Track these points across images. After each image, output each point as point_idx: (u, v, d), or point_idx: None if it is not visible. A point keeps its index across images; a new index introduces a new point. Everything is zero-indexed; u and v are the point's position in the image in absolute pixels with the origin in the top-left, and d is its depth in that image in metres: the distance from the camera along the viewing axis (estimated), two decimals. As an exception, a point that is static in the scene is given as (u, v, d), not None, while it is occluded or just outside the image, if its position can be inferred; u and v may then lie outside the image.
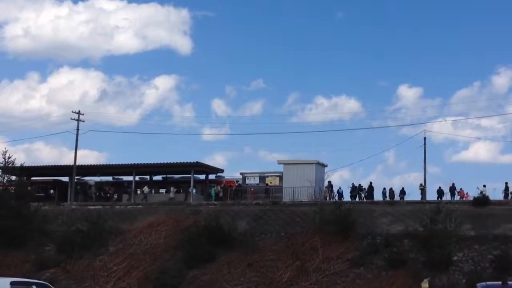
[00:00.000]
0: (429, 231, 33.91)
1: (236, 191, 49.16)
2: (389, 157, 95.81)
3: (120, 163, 53.51)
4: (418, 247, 34.15)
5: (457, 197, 44.84)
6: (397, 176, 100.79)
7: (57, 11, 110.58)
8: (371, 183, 47.80)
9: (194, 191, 50.62)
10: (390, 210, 38.86)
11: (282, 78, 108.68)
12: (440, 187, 46.43)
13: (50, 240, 39.85)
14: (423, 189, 47.90)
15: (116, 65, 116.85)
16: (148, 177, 55.88)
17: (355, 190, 46.83)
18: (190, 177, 50.65)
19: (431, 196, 46.57)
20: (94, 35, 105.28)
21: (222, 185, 51.25)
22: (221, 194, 49.46)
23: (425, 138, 53.19)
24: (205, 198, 49.72)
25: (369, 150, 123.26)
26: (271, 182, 48.28)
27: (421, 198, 45.20)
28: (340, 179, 64.61)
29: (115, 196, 52.00)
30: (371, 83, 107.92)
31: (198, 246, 35.90)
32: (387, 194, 46.45)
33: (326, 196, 44.86)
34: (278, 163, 49.16)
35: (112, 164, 54.77)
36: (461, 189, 46.02)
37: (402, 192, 46.61)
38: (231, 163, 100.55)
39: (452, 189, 45.44)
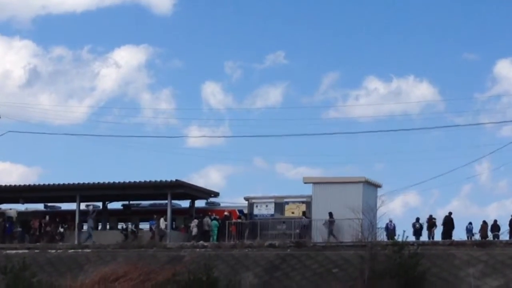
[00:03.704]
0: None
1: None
2: (481, 172, 77.87)
3: (58, 183, 43.23)
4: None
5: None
6: (493, 202, 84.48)
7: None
8: (450, 213, 39.17)
9: (173, 225, 41.32)
10: (481, 256, 33.68)
11: (314, 50, 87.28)
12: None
13: None
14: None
15: (54, 31, 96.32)
16: (100, 204, 44.79)
17: (421, 229, 39.25)
18: (166, 203, 41.00)
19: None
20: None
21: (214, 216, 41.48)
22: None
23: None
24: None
25: (449, 162, 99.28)
26: (293, 212, 39.20)
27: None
28: (404, 206, 49.50)
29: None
30: (453, 58, 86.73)
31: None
32: (477, 231, 38.41)
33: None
34: (304, 182, 40.55)
35: (46, 185, 44.12)
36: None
37: (496, 227, 38.04)
38: (231, 181, 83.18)
39: None
